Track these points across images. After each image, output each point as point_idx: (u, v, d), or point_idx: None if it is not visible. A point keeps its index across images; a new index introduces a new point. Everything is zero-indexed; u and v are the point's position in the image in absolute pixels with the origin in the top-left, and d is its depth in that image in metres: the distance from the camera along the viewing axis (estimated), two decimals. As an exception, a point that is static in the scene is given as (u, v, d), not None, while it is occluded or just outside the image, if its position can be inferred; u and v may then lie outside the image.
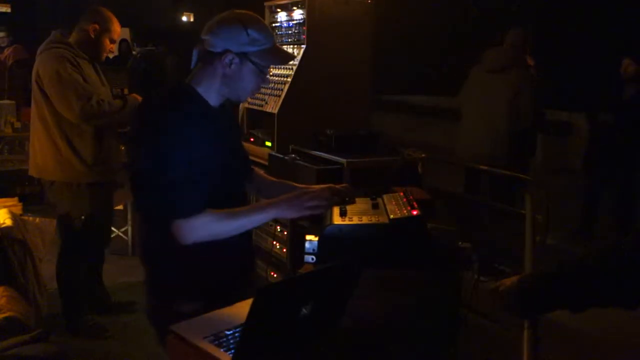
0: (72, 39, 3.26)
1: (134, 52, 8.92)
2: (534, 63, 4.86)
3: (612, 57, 5.35)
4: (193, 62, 1.81)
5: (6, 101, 5.65)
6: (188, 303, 1.74)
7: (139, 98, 3.43)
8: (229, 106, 1.93)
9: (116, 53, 8.41)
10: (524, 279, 1.51)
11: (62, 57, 3.13)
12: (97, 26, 3.26)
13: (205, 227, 1.69)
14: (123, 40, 9.41)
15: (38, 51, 3.26)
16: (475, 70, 4.69)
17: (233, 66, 1.74)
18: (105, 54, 3.36)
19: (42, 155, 3.25)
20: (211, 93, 1.79)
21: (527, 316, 1.61)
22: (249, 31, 1.72)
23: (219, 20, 1.76)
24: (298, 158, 3.40)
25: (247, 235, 1.91)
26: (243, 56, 1.74)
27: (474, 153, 4.48)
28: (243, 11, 1.80)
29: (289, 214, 1.82)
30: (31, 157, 3.34)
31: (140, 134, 1.78)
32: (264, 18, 4.20)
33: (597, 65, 8.08)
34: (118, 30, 3.36)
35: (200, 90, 1.78)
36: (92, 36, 3.25)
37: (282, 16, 3.89)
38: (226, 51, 1.73)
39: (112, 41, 3.34)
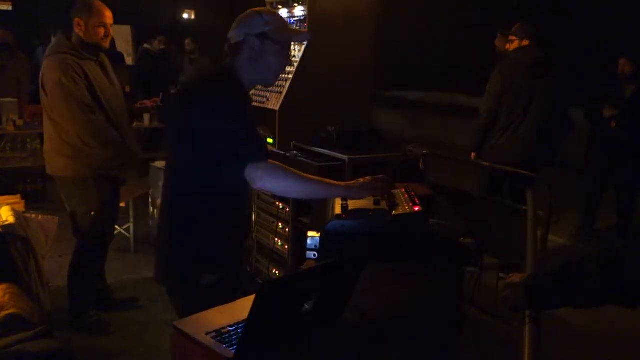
0: (73, 40, 3.22)
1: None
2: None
3: (609, 53, 5.31)
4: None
5: (8, 99, 5.62)
6: (208, 274, 1.92)
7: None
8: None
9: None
10: (530, 277, 1.53)
11: (66, 64, 3.10)
12: (79, 20, 3.19)
13: (274, 174, 1.85)
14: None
15: (45, 54, 3.26)
16: (506, 67, 4.44)
17: (256, 48, 1.93)
18: (105, 42, 3.26)
19: (53, 151, 3.27)
20: (243, 80, 1.96)
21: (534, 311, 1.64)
22: (263, 15, 1.95)
23: (238, 18, 1.99)
24: (300, 155, 3.40)
25: (249, 220, 2.21)
26: (262, 37, 1.93)
27: (513, 154, 4.31)
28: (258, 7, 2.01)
29: (356, 195, 1.97)
30: (45, 154, 3.38)
31: (197, 106, 1.88)
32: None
33: (595, 60, 8.05)
34: (104, 13, 3.23)
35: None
36: (82, 31, 3.19)
37: (283, 13, 3.88)
38: (247, 36, 1.93)
39: (103, 25, 3.22)
